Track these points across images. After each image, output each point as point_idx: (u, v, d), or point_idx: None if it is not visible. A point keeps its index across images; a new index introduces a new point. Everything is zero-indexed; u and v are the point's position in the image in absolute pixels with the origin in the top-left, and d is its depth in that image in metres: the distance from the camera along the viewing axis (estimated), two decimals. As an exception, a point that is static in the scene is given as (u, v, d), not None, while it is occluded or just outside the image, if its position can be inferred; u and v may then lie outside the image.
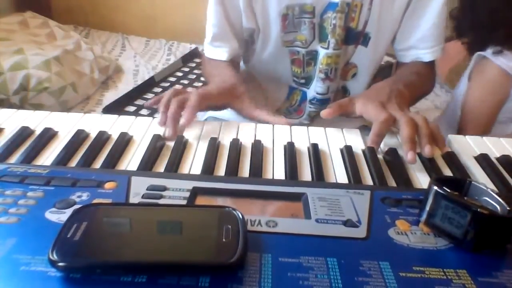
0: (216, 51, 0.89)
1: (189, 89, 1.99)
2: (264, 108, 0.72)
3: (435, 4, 0.84)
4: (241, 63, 1.01)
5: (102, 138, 0.59)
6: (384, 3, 0.83)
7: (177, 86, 1.95)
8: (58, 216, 0.40)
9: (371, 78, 0.96)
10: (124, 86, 1.91)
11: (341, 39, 0.84)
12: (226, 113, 0.99)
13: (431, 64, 0.91)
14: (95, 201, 0.43)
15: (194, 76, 2.05)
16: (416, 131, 0.60)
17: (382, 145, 0.63)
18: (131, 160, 0.55)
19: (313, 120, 0.97)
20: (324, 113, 0.68)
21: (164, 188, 0.45)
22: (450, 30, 1.07)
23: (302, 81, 0.93)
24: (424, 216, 0.41)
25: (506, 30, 0.94)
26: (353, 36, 0.86)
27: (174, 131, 0.62)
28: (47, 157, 0.55)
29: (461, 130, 1.04)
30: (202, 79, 2.01)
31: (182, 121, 0.63)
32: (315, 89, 0.91)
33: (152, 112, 1.73)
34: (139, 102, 1.80)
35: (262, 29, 0.86)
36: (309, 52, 0.88)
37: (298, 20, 0.84)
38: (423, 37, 0.87)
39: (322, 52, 0.86)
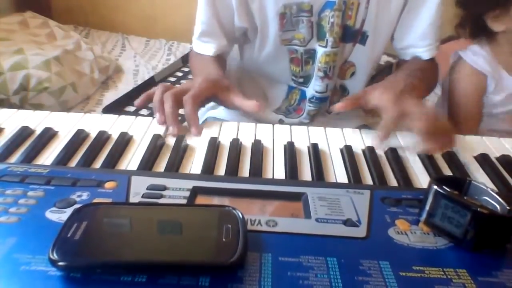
0: (204, 46, 0.90)
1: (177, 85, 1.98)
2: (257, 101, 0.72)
3: (432, 2, 0.84)
4: (240, 64, 1.01)
5: (102, 138, 0.59)
6: (381, 1, 0.83)
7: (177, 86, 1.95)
8: (58, 216, 0.40)
9: (369, 77, 0.97)
10: (124, 86, 1.91)
11: (339, 37, 0.84)
12: (226, 113, 0.99)
13: (433, 61, 0.92)
14: (95, 200, 0.43)
15: (194, 76, 2.05)
16: (432, 125, 0.61)
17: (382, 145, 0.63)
18: (131, 160, 0.55)
19: (313, 118, 0.97)
20: (338, 106, 0.68)
21: (164, 188, 0.45)
22: (450, 30, 1.07)
23: (301, 80, 0.93)
24: (424, 216, 0.42)
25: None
26: (350, 34, 0.86)
27: (177, 128, 0.62)
28: (47, 157, 0.55)
29: (452, 122, 1.06)
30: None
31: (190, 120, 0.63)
32: (314, 87, 0.91)
33: (152, 112, 1.74)
34: (139, 102, 1.80)
35: (260, 28, 0.86)
36: (307, 50, 0.88)
37: (296, 19, 0.84)
38: (421, 35, 0.88)
39: (320, 51, 0.86)
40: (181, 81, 2.00)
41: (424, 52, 0.89)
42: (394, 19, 0.87)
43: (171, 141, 0.60)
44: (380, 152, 0.61)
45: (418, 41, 0.88)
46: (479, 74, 0.97)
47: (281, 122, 0.98)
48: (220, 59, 0.92)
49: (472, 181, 0.44)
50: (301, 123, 0.96)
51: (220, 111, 1.02)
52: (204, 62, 0.89)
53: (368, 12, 0.84)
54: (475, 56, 0.98)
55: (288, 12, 0.83)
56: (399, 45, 0.92)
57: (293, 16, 0.83)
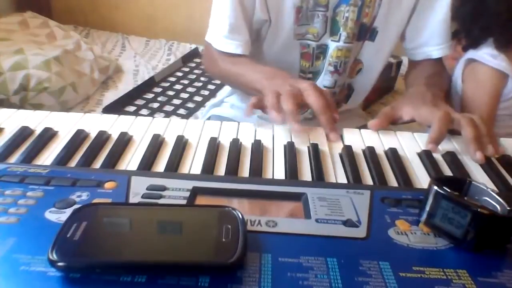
0: (233, 44, 0.84)
1: (190, 89, 1.96)
2: None
3: (444, 1, 0.85)
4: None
5: (102, 138, 0.59)
6: None
7: (177, 86, 1.95)
8: (57, 216, 0.40)
9: (376, 77, 0.96)
10: (124, 86, 1.91)
11: (353, 33, 0.84)
12: (231, 111, 0.99)
13: (442, 62, 0.93)
14: (95, 201, 0.43)
15: (194, 76, 2.05)
16: (478, 130, 0.61)
17: (382, 145, 0.63)
18: (131, 160, 0.55)
19: None
20: (371, 124, 0.68)
21: (164, 188, 0.45)
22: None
23: (309, 75, 0.93)
24: (424, 216, 0.41)
25: (504, 33, 0.95)
26: (364, 31, 0.87)
27: (299, 126, 0.62)
28: (47, 157, 0.55)
29: None
30: (202, 79, 2.01)
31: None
32: (323, 82, 0.91)
33: (152, 112, 1.73)
34: (139, 102, 1.80)
35: (274, 21, 0.85)
36: (320, 45, 0.88)
37: (311, 13, 0.84)
38: (433, 33, 0.88)
39: (332, 45, 0.86)
40: (181, 81, 2.00)
41: (436, 50, 0.89)
42: (405, 16, 0.87)
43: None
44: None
45: (430, 39, 0.89)
46: (501, 74, 0.96)
47: None
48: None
49: (473, 182, 0.43)
50: (305, 119, 0.96)
51: (224, 109, 1.01)
52: (245, 61, 0.83)
53: (380, 8, 0.84)
54: (495, 58, 0.96)
55: (304, 6, 0.83)
56: (411, 44, 0.92)
57: (309, 10, 0.83)
